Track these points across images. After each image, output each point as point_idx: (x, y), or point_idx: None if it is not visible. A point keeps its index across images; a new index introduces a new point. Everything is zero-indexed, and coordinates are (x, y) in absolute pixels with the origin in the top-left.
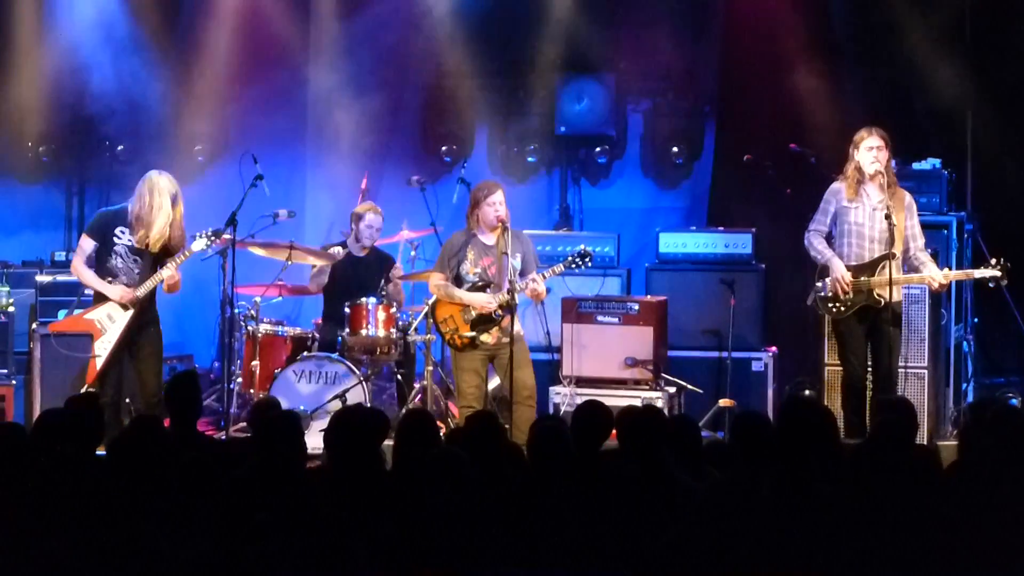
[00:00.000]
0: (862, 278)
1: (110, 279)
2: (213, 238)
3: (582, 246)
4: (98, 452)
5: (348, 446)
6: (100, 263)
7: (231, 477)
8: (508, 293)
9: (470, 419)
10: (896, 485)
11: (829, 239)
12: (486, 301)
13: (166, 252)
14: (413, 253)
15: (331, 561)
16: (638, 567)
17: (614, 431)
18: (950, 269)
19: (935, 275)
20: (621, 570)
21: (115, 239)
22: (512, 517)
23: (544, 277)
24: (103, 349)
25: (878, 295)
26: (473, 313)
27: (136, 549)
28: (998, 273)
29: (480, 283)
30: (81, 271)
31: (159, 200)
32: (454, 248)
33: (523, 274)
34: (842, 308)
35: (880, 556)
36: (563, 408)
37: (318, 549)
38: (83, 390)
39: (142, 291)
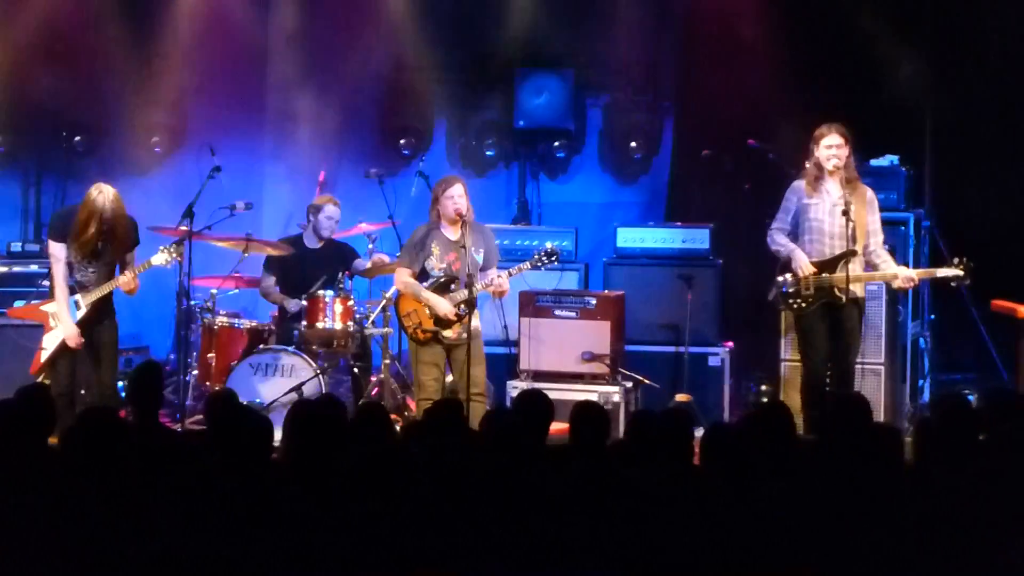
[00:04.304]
0: (823, 275)
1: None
2: (173, 256)
3: (549, 245)
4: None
5: (308, 438)
6: None
7: (193, 470)
8: (466, 288)
9: (430, 410)
10: (850, 479)
11: (792, 238)
12: (448, 310)
13: (120, 251)
14: (371, 246)
15: (292, 556)
16: (602, 562)
17: (567, 426)
18: (908, 267)
19: (900, 272)
20: (601, 568)
21: (71, 245)
22: (468, 510)
23: (510, 274)
24: (50, 343)
25: (839, 291)
26: None
27: (95, 543)
28: (960, 272)
29: (444, 279)
30: (59, 280)
31: (83, 215)
32: (419, 242)
33: (484, 268)
34: (803, 304)
35: (840, 550)
36: None
37: (280, 544)
38: (38, 380)
39: (96, 294)
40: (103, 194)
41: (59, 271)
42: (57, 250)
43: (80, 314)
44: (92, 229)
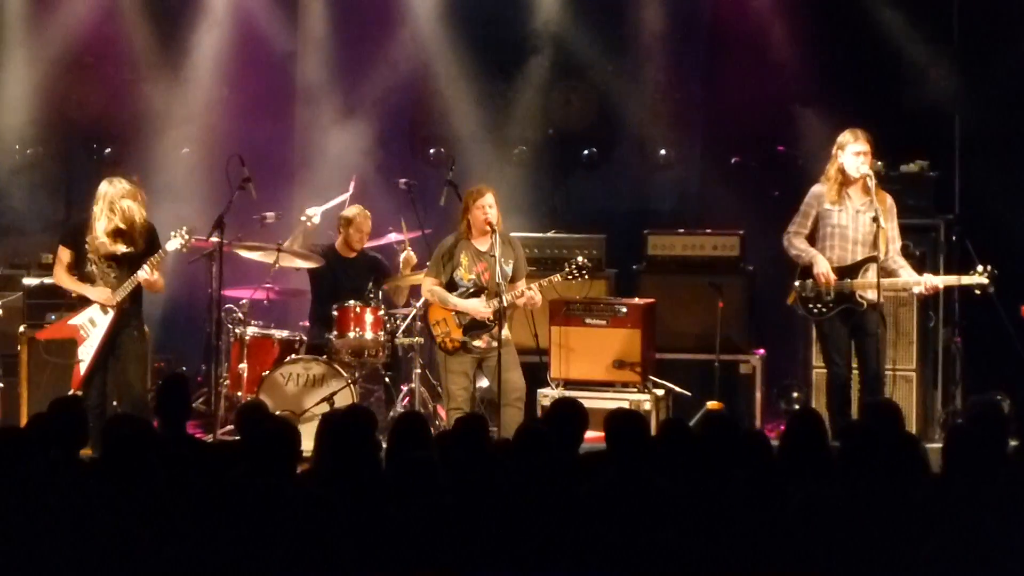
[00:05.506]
0: (845, 280)
1: (89, 284)
2: (187, 237)
3: (581, 258)
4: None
5: (339, 446)
6: (79, 270)
7: (222, 479)
8: (496, 299)
9: (459, 422)
10: (873, 484)
11: (810, 242)
12: (481, 308)
13: (145, 253)
14: (402, 245)
15: (324, 562)
16: (629, 568)
17: (599, 434)
18: (933, 275)
19: (923, 280)
20: (615, 570)
21: (87, 246)
22: (499, 520)
23: (541, 286)
24: (86, 354)
25: (860, 297)
26: (467, 317)
27: (124, 551)
28: (985, 281)
29: (473, 289)
30: (62, 278)
31: (96, 208)
32: (447, 252)
33: (512, 280)
34: (823, 309)
35: (861, 555)
36: None
37: (310, 550)
38: (69, 394)
39: (120, 295)
40: (113, 184)
41: (59, 271)
42: (60, 252)
43: (108, 318)
44: (106, 218)
